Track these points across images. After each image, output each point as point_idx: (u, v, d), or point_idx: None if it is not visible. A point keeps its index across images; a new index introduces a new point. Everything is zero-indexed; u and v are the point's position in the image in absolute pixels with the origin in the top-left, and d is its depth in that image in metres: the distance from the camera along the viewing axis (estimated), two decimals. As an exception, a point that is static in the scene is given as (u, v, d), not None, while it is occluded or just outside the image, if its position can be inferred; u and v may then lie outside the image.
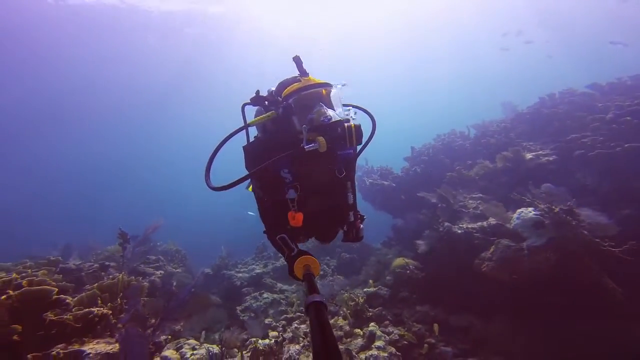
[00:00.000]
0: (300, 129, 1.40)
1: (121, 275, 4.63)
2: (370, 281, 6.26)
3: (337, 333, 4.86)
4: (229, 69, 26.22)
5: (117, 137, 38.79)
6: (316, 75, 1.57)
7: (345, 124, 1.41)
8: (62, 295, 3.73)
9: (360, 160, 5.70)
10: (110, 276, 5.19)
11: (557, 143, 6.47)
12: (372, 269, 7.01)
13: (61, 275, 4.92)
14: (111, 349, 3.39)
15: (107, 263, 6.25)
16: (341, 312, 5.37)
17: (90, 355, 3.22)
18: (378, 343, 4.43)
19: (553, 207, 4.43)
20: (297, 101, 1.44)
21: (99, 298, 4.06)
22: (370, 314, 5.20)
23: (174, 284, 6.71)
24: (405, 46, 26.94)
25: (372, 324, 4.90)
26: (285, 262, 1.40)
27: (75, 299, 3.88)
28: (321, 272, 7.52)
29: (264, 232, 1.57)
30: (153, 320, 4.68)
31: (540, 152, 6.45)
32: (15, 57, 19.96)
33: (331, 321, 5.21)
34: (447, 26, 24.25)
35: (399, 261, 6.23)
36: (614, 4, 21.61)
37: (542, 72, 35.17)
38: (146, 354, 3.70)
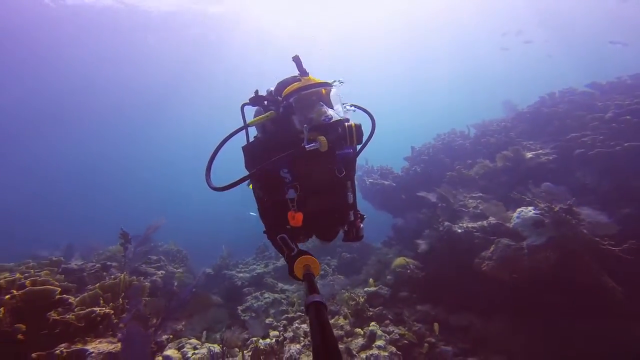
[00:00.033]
0: (301, 128, 1.40)
1: (123, 275, 4.65)
2: (371, 280, 6.26)
3: (338, 332, 4.87)
4: (229, 69, 26.24)
5: (118, 137, 38.82)
6: (316, 75, 1.58)
7: (346, 124, 1.42)
8: (64, 295, 3.76)
9: (360, 160, 5.72)
10: (112, 276, 5.21)
11: (557, 142, 6.48)
12: (373, 269, 7.02)
13: (63, 276, 4.95)
14: (113, 348, 3.41)
15: (108, 263, 6.27)
16: (342, 312, 5.39)
17: (93, 354, 3.24)
18: (378, 342, 4.44)
19: (553, 206, 4.43)
20: (297, 100, 1.45)
21: (101, 298, 4.08)
22: (371, 313, 5.21)
23: (175, 284, 6.73)
24: (405, 46, 26.94)
25: (372, 323, 4.92)
26: (286, 262, 1.41)
27: (78, 298, 3.90)
28: (322, 272, 7.53)
29: (264, 232, 1.58)
30: (155, 320, 4.70)
31: (540, 151, 6.46)
32: (15, 57, 19.97)
33: (332, 320, 5.23)
34: (447, 26, 24.24)
35: (400, 261, 6.24)
36: (614, 3, 21.60)
37: (542, 72, 35.15)
38: (148, 354, 3.72)
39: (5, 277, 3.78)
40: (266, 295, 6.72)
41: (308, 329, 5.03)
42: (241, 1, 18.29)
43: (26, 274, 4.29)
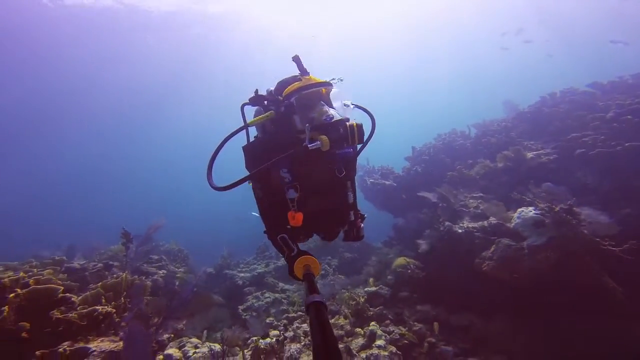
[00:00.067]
0: (302, 128, 1.40)
1: (124, 274, 4.67)
2: (371, 280, 6.27)
3: (338, 332, 4.88)
4: (229, 69, 26.25)
5: (118, 137, 38.87)
6: (316, 74, 1.58)
7: (347, 123, 1.43)
8: (67, 294, 3.78)
9: (361, 160, 5.72)
10: (114, 275, 5.24)
11: (558, 142, 6.47)
12: (373, 269, 7.03)
13: (66, 275, 4.97)
14: (115, 346, 3.43)
15: (110, 262, 6.29)
16: (342, 312, 5.39)
17: (95, 352, 3.26)
18: (379, 342, 4.45)
19: (553, 206, 4.44)
20: (298, 100, 1.45)
21: (103, 297, 4.10)
22: (371, 313, 5.22)
23: (177, 283, 6.75)
24: (406, 46, 26.93)
25: (372, 323, 4.93)
26: (286, 262, 1.41)
27: (80, 297, 3.92)
28: (322, 272, 7.55)
29: (265, 232, 1.58)
30: (156, 319, 4.71)
31: (541, 151, 6.46)
32: (15, 57, 20.01)
33: (332, 320, 5.23)
34: (447, 26, 24.24)
35: (400, 260, 6.24)
36: (615, 2, 21.57)
37: (543, 71, 35.11)
38: (149, 352, 3.74)
39: (9, 276, 3.80)
40: (267, 294, 6.74)
41: (308, 329, 5.04)
42: (241, 1, 18.30)
43: (30, 273, 4.31)
